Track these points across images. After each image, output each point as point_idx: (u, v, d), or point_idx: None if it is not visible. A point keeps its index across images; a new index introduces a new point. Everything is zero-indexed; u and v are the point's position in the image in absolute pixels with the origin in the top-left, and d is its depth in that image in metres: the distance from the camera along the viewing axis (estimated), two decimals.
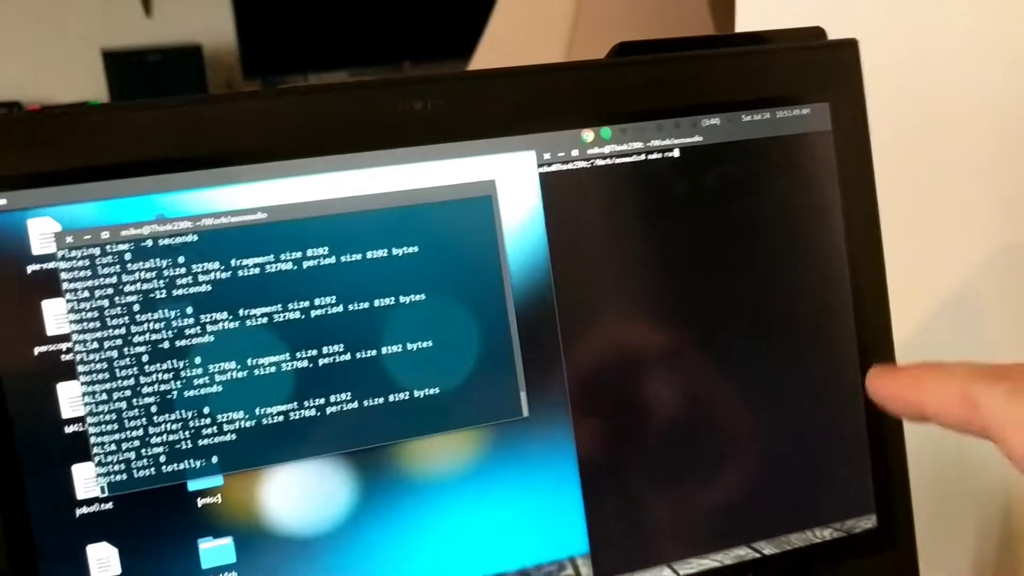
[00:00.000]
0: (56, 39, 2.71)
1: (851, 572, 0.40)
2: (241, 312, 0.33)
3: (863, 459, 0.40)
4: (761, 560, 0.39)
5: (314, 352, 0.33)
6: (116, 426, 0.32)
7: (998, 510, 0.53)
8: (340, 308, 0.34)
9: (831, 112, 0.38)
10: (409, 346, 0.34)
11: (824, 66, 0.38)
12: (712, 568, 0.38)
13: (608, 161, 0.36)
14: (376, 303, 0.34)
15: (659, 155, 0.37)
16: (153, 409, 0.32)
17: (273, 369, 0.33)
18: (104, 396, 0.32)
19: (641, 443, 0.37)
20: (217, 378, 0.33)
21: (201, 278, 0.32)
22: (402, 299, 0.34)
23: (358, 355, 0.34)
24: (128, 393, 0.32)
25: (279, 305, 0.33)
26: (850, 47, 0.38)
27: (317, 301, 0.33)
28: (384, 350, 0.34)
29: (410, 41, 2.76)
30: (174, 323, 0.32)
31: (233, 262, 0.33)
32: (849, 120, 0.39)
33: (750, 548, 0.39)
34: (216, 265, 0.32)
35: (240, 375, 0.33)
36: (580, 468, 0.36)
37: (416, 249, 0.34)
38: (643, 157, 0.36)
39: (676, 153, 0.37)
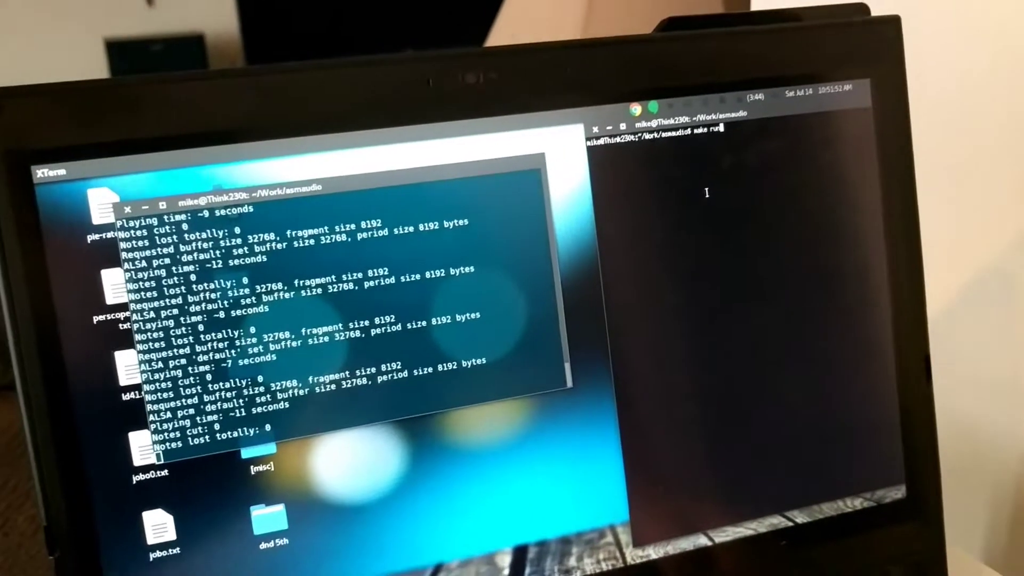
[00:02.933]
0: (59, 29, 2.68)
1: (880, 540, 0.41)
2: (296, 282, 0.33)
3: (894, 431, 0.41)
4: (794, 528, 0.40)
5: (366, 322, 0.34)
6: (172, 394, 0.32)
7: (1011, 486, 0.54)
8: (392, 279, 0.34)
9: (872, 88, 0.39)
10: (458, 317, 0.35)
11: (866, 43, 0.39)
12: (747, 536, 0.39)
13: (655, 135, 0.36)
14: (427, 275, 0.34)
15: (704, 129, 0.37)
16: (208, 377, 0.33)
17: (326, 339, 0.33)
18: (160, 364, 0.32)
19: (680, 414, 0.38)
20: (271, 347, 0.33)
21: (257, 248, 0.33)
22: (452, 271, 0.34)
23: (409, 326, 0.34)
24: (184, 362, 0.32)
25: (333, 276, 0.33)
26: (892, 24, 0.39)
27: (370, 272, 0.34)
28: (434, 321, 0.34)
29: (413, 28, 2.74)
30: (230, 293, 0.32)
31: (288, 233, 0.33)
32: (889, 96, 0.39)
33: (783, 517, 0.40)
34: (271, 236, 0.33)
35: (294, 344, 0.33)
36: (621, 438, 0.37)
37: (467, 222, 0.35)
38: (689, 131, 0.37)
39: (721, 128, 0.37)
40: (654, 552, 0.38)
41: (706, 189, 0.37)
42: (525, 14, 1.07)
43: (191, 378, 0.33)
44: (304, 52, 2.70)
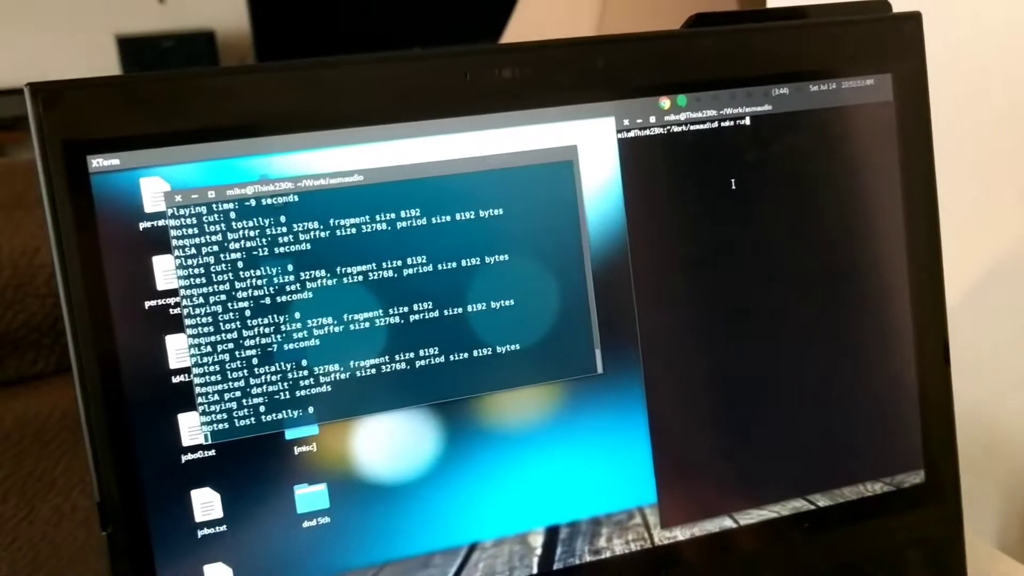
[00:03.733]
0: (70, 25, 2.71)
1: (900, 524, 0.42)
2: (338, 270, 0.34)
3: (913, 418, 0.42)
4: (816, 512, 0.41)
5: (405, 309, 0.35)
6: (220, 377, 0.34)
7: None
8: (430, 268, 0.35)
9: (893, 83, 0.40)
10: (493, 304, 0.36)
11: (888, 38, 0.40)
12: (770, 519, 0.40)
13: (683, 128, 0.37)
14: (463, 263, 0.35)
15: (731, 123, 0.38)
16: (254, 361, 0.34)
17: (367, 325, 0.35)
18: (209, 348, 0.33)
19: (707, 400, 0.39)
20: (315, 332, 0.34)
21: (301, 237, 0.34)
22: (487, 259, 0.36)
23: (446, 312, 0.35)
24: (231, 346, 0.34)
25: (373, 264, 0.34)
26: (914, 20, 0.40)
27: (409, 260, 0.35)
28: (470, 308, 0.36)
29: (423, 27, 2.75)
30: (275, 279, 0.34)
31: (331, 222, 0.34)
32: (910, 91, 0.40)
33: (806, 500, 0.41)
34: (315, 225, 0.34)
35: (336, 330, 0.34)
36: (650, 423, 0.38)
37: (501, 212, 0.36)
38: (716, 124, 0.38)
39: (747, 121, 0.38)
40: (681, 533, 0.39)
41: (732, 180, 0.38)
42: (539, 14, 1.09)
43: (238, 362, 0.34)
44: (313, 49, 2.72)
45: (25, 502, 0.68)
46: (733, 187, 0.38)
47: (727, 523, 0.40)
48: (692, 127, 0.38)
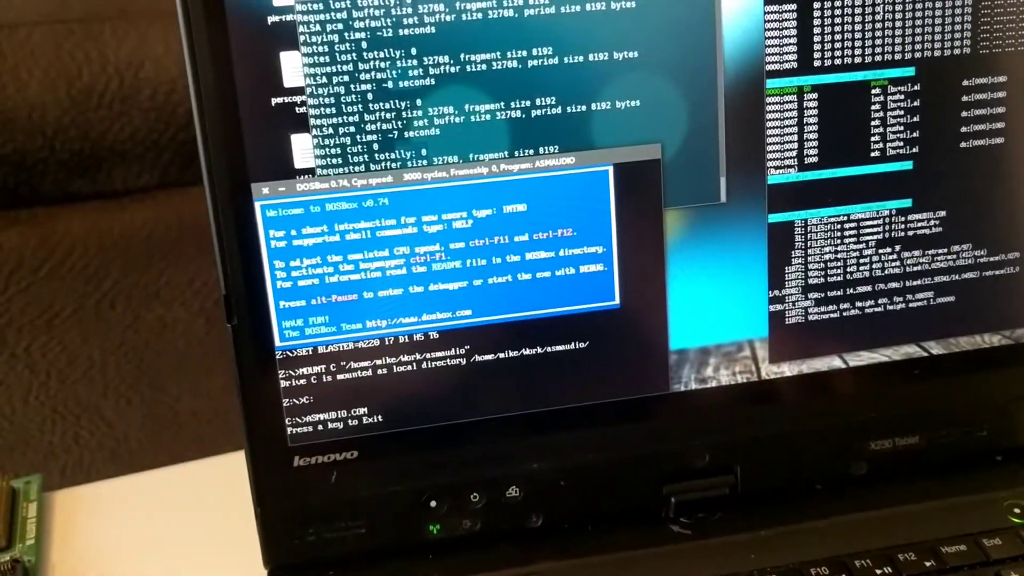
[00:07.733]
0: None
1: (1014, 380, 0.41)
2: (463, 57, 0.33)
3: None
4: (928, 359, 0.40)
5: (527, 103, 0.34)
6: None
7: None
8: (556, 60, 0.34)
9: None
10: (618, 104, 0.35)
11: None
12: (881, 362, 0.39)
13: None
14: (590, 57, 0.34)
15: None
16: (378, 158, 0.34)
17: (488, 117, 0.34)
18: (337, 150, 0.33)
19: (830, 239, 0.38)
20: (435, 122, 0.33)
21: (429, 30, 0.33)
22: (615, 55, 0.34)
23: (569, 109, 0.34)
24: (357, 147, 0.33)
25: (498, 53, 0.33)
26: None
27: (534, 51, 0.33)
28: (594, 106, 0.34)
29: None
30: (401, 76, 0.33)
31: (461, 16, 0.33)
32: None
33: (919, 346, 0.40)
34: (444, 15, 0.33)
35: (457, 120, 0.34)
36: (769, 257, 0.37)
37: (634, 4, 0.34)
38: None
39: None
40: (788, 369, 0.39)
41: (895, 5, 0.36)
42: None
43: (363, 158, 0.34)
44: None
45: (131, 310, 0.70)
46: (900, 13, 0.36)
47: (836, 363, 0.39)
48: None
